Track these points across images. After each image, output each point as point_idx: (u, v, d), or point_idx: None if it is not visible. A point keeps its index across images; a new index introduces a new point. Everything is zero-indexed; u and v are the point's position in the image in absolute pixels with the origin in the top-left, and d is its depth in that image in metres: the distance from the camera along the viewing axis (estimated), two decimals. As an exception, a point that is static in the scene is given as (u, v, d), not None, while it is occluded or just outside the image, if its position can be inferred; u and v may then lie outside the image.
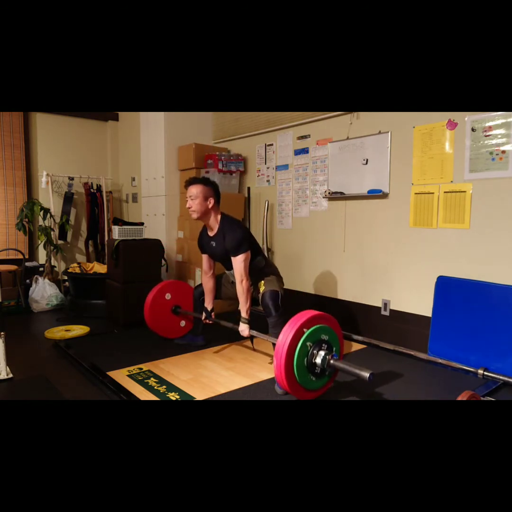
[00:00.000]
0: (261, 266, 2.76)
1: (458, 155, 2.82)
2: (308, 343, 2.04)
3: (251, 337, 2.68)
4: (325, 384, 2.20)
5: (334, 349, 2.13)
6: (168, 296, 3.20)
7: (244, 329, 2.61)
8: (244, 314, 2.62)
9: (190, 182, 2.68)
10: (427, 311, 3.01)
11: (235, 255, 2.59)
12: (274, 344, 2.38)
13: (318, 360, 2.06)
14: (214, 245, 2.73)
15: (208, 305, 2.95)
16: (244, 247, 2.59)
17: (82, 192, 5.16)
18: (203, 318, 2.95)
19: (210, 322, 2.96)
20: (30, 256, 4.96)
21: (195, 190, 2.62)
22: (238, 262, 2.58)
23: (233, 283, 2.86)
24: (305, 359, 2.05)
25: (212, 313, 2.96)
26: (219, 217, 2.69)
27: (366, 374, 1.91)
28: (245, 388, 2.41)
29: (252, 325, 2.63)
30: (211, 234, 2.74)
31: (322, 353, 2.06)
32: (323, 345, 2.09)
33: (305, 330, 2.02)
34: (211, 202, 2.64)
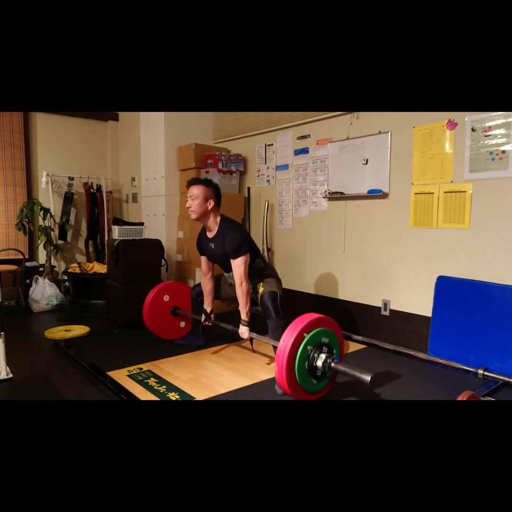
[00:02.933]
0: (260, 268, 2.76)
1: (458, 155, 2.82)
2: (308, 347, 2.04)
3: (251, 339, 2.68)
4: (326, 386, 2.20)
5: (334, 351, 2.13)
6: (166, 297, 3.20)
7: (244, 331, 2.61)
8: (244, 316, 2.61)
9: (192, 182, 2.68)
10: (427, 311, 3.01)
11: (235, 257, 2.57)
12: (274, 346, 2.38)
13: (319, 363, 2.06)
14: (212, 247, 2.72)
15: (208, 307, 2.95)
16: (243, 250, 2.58)
17: (82, 192, 5.16)
18: (202, 320, 2.95)
19: (210, 324, 2.96)
20: (30, 256, 4.96)
21: (196, 190, 2.62)
22: (238, 265, 2.57)
23: (231, 285, 2.86)
24: (306, 363, 2.05)
25: (212, 315, 2.95)
26: (218, 219, 2.69)
27: (368, 377, 1.90)
28: (245, 388, 2.41)
29: (252, 327, 2.63)
30: (210, 235, 2.73)
31: (323, 356, 2.07)
32: (324, 348, 2.09)
33: (305, 335, 2.03)
34: (211, 203, 2.63)
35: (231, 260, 2.60)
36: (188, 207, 2.65)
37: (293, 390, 2.05)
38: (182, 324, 3.30)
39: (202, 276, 2.92)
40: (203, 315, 2.94)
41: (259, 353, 3.02)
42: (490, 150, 2.66)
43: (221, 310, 3.64)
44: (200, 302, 3.01)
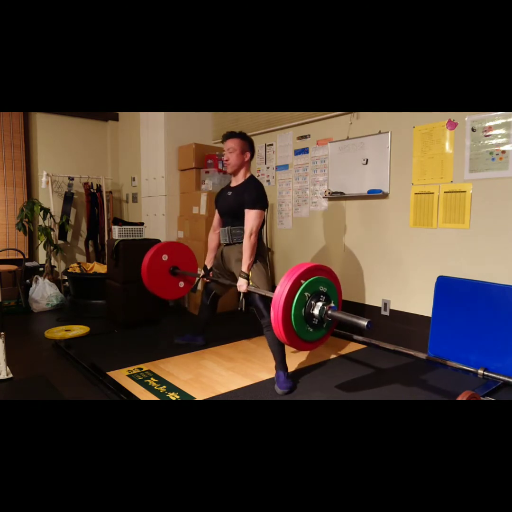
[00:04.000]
0: (258, 237, 2.71)
1: (458, 155, 2.82)
2: (306, 294, 1.99)
3: (243, 297, 2.64)
4: (322, 336, 2.15)
5: (332, 301, 2.09)
6: (164, 257, 3.20)
7: (242, 284, 2.55)
8: (244, 269, 2.56)
9: (228, 135, 2.74)
10: (427, 311, 3.01)
11: (252, 207, 2.56)
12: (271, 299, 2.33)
13: (316, 311, 2.01)
14: (230, 194, 2.72)
15: (208, 263, 2.98)
16: (261, 204, 2.58)
17: (82, 192, 5.16)
18: (201, 276, 2.98)
19: (208, 280, 2.98)
20: (30, 256, 4.96)
21: (232, 143, 2.68)
22: (252, 217, 2.55)
23: (229, 274, 2.84)
24: (303, 310, 2.00)
25: (210, 272, 2.97)
26: (248, 174, 2.74)
27: (364, 322, 1.86)
28: (245, 388, 2.41)
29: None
30: (233, 184, 2.75)
31: (320, 304, 2.01)
32: (321, 296, 2.04)
33: (302, 281, 1.97)
34: (247, 155, 2.70)
35: (247, 211, 2.57)
36: (226, 160, 2.69)
37: (289, 337, 1.99)
38: (181, 283, 3.30)
39: (212, 230, 2.96)
40: (203, 271, 2.98)
41: (259, 351, 3.02)
42: (490, 150, 2.66)
43: (221, 310, 3.64)
44: (207, 306, 3.03)
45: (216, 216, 2.90)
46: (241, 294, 2.64)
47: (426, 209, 3.00)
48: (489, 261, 2.71)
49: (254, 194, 2.58)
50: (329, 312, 2.02)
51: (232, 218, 2.70)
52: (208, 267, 2.97)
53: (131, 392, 2.30)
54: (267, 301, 2.52)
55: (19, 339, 3.32)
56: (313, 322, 2.04)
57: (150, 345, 3.13)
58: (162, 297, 3.24)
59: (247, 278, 2.56)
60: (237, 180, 2.73)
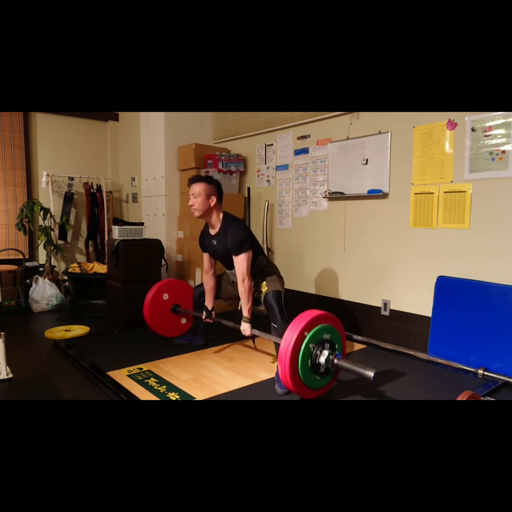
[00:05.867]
0: (263, 265, 2.76)
1: (458, 155, 2.82)
2: (310, 345, 2.05)
3: (253, 336, 2.68)
4: (329, 382, 2.22)
5: (336, 346, 2.13)
6: (165, 296, 3.21)
7: (246, 328, 2.60)
8: (245, 313, 2.61)
9: (193, 180, 2.70)
10: (427, 311, 3.01)
11: (237, 254, 2.58)
12: (276, 343, 2.38)
13: (322, 360, 2.07)
14: (215, 244, 2.72)
15: (209, 304, 2.95)
16: (246, 246, 2.58)
17: (82, 192, 5.16)
18: (203, 317, 2.95)
19: (211, 321, 2.96)
20: (30, 256, 4.96)
21: (198, 188, 2.64)
22: (240, 262, 2.58)
23: (233, 283, 2.86)
24: (309, 360, 2.06)
25: (213, 313, 2.96)
26: (221, 215, 2.70)
27: (371, 374, 1.91)
28: (245, 388, 2.41)
29: (253, 324, 2.62)
30: (212, 232, 2.74)
31: (325, 352, 2.07)
32: (326, 344, 2.09)
33: (306, 333, 2.03)
34: (213, 200, 2.64)
35: (234, 257, 2.61)
36: (191, 205, 2.66)
37: (297, 388, 2.06)
38: (184, 320, 3.32)
39: (204, 273, 2.93)
40: (204, 312, 2.95)
41: (261, 351, 3.02)
42: (490, 150, 2.66)
43: (222, 310, 3.64)
44: (202, 302, 3.02)
45: (206, 259, 2.88)
46: (253, 336, 2.67)
47: (426, 209, 3.00)
48: (489, 261, 2.71)
49: (235, 240, 2.58)
50: (335, 361, 2.08)
51: (229, 262, 2.72)
52: (209, 308, 2.96)
53: (131, 392, 2.30)
54: (280, 301, 2.60)
55: (19, 339, 3.32)
56: (320, 370, 2.10)
57: (150, 345, 3.13)
58: (165, 336, 3.26)
59: (250, 322, 2.61)
60: (214, 227, 2.72)
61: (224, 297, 3.05)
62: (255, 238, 2.76)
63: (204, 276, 2.94)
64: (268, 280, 2.69)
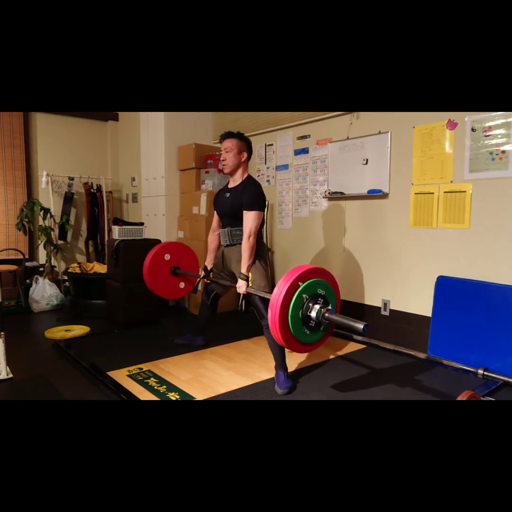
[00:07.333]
0: (259, 237, 2.71)
1: (458, 155, 2.82)
2: (303, 296, 1.98)
3: (242, 297, 2.66)
4: (320, 339, 2.15)
5: (330, 304, 2.08)
6: (167, 256, 3.21)
7: (241, 285, 2.56)
8: (244, 270, 2.57)
9: (225, 136, 2.72)
10: (427, 311, 3.01)
11: (250, 209, 2.57)
12: (264, 302, 2.35)
13: (313, 314, 2.01)
14: (228, 196, 2.72)
15: (208, 264, 2.99)
16: (259, 205, 2.59)
17: (82, 192, 5.16)
18: (201, 277, 2.99)
19: (208, 281, 2.99)
20: (30, 256, 4.96)
21: (230, 143, 2.66)
22: (251, 218, 2.56)
23: (230, 275, 2.85)
24: (300, 312, 1.99)
25: (211, 273, 2.98)
26: (246, 174, 2.73)
27: (360, 326, 1.86)
28: (245, 388, 2.41)
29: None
30: (231, 185, 2.75)
31: (317, 306, 2.01)
32: (319, 299, 2.03)
33: (300, 283, 1.97)
34: (244, 156, 2.68)
35: (245, 212, 2.58)
36: (223, 160, 2.68)
37: (286, 339, 1.99)
38: (182, 284, 3.31)
39: (211, 232, 2.97)
40: (202, 272, 2.98)
41: (259, 351, 3.02)
42: (490, 150, 2.66)
43: (221, 310, 3.64)
44: (208, 306, 3.04)
45: (215, 217, 2.90)
46: (241, 295, 2.64)
47: (426, 209, 3.00)
48: (489, 261, 2.71)
49: (252, 195, 2.58)
50: (326, 315, 2.02)
51: (231, 219, 2.70)
52: (209, 268, 2.98)
53: (131, 392, 2.30)
54: (267, 301, 2.50)
55: (19, 339, 3.32)
56: (310, 324, 2.04)
57: (150, 345, 3.13)
58: (163, 297, 3.25)
59: (247, 280, 2.57)
60: (235, 181, 2.73)
61: (220, 277, 2.97)
62: (264, 216, 2.75)
63: (210, 234, 2.98)
64: (254, 270, 2.61)
